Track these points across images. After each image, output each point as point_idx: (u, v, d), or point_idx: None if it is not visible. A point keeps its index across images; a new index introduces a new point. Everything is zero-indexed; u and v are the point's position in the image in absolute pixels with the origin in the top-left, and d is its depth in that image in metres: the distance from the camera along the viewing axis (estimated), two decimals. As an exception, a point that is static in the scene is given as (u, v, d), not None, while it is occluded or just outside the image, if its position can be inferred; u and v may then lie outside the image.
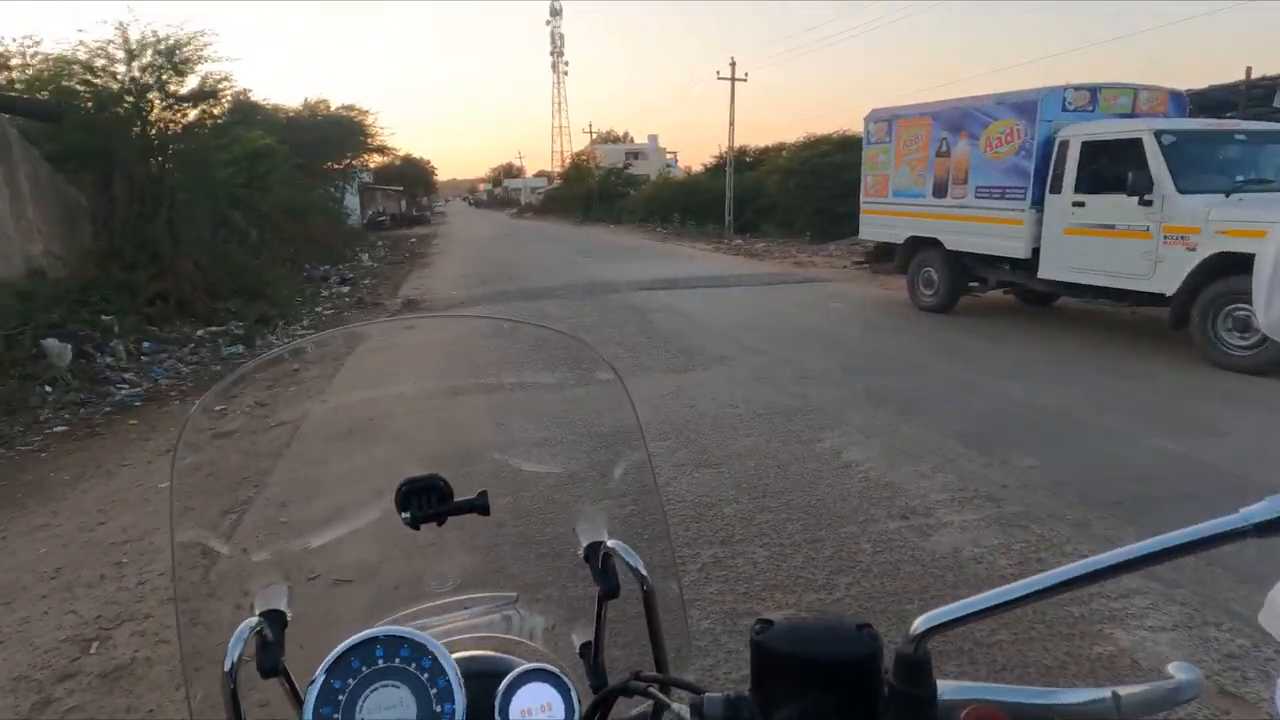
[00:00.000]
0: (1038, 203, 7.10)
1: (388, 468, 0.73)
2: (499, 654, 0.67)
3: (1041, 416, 4.51)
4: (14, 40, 8.89)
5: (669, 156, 61.87)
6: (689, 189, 29.29)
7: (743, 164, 25.96)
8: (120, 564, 3.05)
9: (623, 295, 10.23)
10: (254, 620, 0.57)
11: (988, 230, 7.63)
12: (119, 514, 3.58)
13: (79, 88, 8.21)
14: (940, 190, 8.25)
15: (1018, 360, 6.04)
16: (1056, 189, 6.93)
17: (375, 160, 27.69)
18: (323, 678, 0.54)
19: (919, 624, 0.37)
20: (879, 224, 9.33)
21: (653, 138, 66.89)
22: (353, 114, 21.92)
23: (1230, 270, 5.58)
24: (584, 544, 0.68)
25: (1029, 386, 5.19)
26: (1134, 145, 6.26)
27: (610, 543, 0.67)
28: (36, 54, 8.58)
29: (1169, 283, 5.95)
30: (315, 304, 10.34)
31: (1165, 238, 6.00)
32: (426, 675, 0.55)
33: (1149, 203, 6.07)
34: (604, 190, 39.04)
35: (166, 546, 2.81)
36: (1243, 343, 5.50)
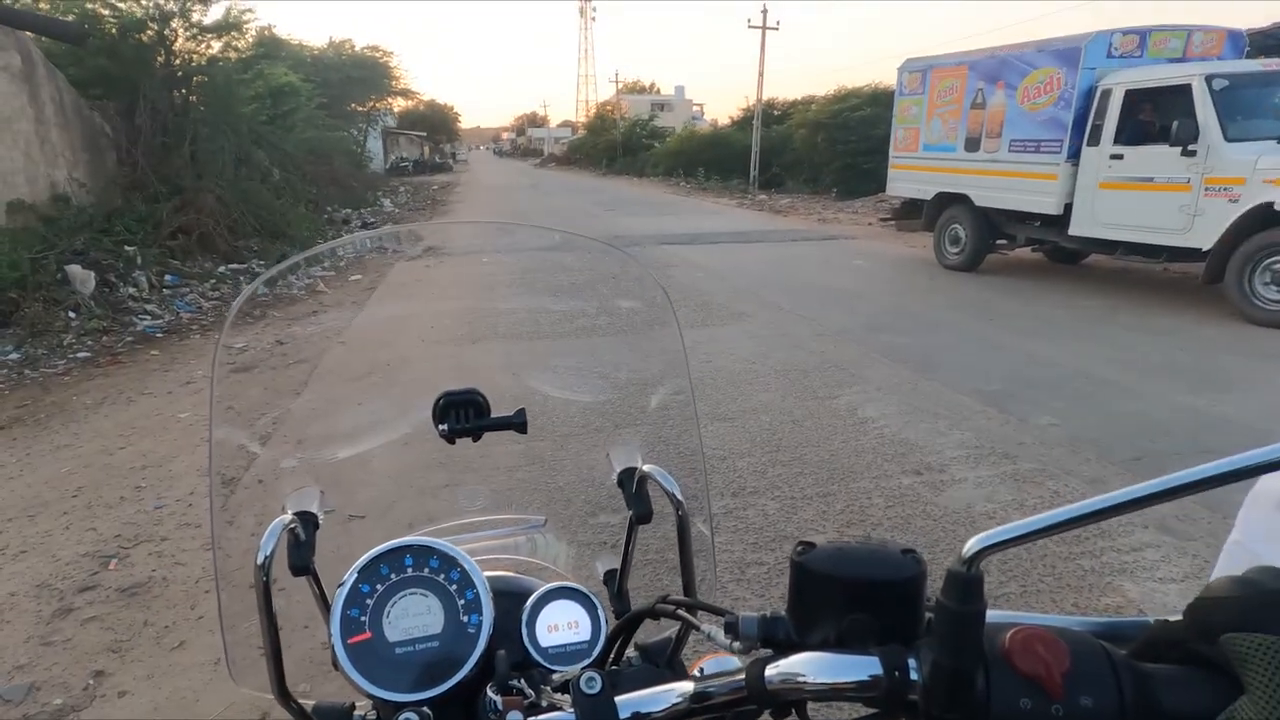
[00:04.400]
0: (1074, 156, 6.82)
1: (426, 387, 0.71)
2: (524, 575, 0.66)
3: (1063, 375, 4.41)
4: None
5: (695, 108, 60.38)
6: (714, 142, 28.57)
7: (770, 117, 25.20)
8: (139, 488, 3.13)
9: (644, 249, 10.13)
10: (287, 518, 0.57)
11: (1019, 185, 7.36)
12: (138, 440, 3.66)
13: (103, 11, 8.10)
14: (973, 144, 7.97)
15: (1041, 318, 5.90)
16: (1094, 141, 6.64)
17: (399, 104, 27.33)
18: (353, 579, 0.54)
19: (972, 544, 0.35)
20: (907, 179, 9.06)
21: (679, 88, 65.21)
22: (377, 55, 21.48)
23: (1272, 222, 5.34)
24: (618, 469, 0.68)
25: (1052, 345, 5.08)
26: (1181, 92, 5.94)
27: (646, 467, 0.66)
28: None
29: (1206, 237, 5.74)
30: (338, 249, 10.35)
31: (1206, 190, 5.76)
32: (455, 587, 0.55)
33: (1192, 153, 5.80)
34: (628, 142, 38.25)
35: (183, 474, 2.87)
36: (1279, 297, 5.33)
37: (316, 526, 0.59)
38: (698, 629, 0.47)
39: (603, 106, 49.71)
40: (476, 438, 0.69)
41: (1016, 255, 8.36)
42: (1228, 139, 5.65)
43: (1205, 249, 5.75)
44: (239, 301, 0.77)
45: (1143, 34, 6.74)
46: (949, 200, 8.27)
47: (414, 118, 38.75)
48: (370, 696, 0.51)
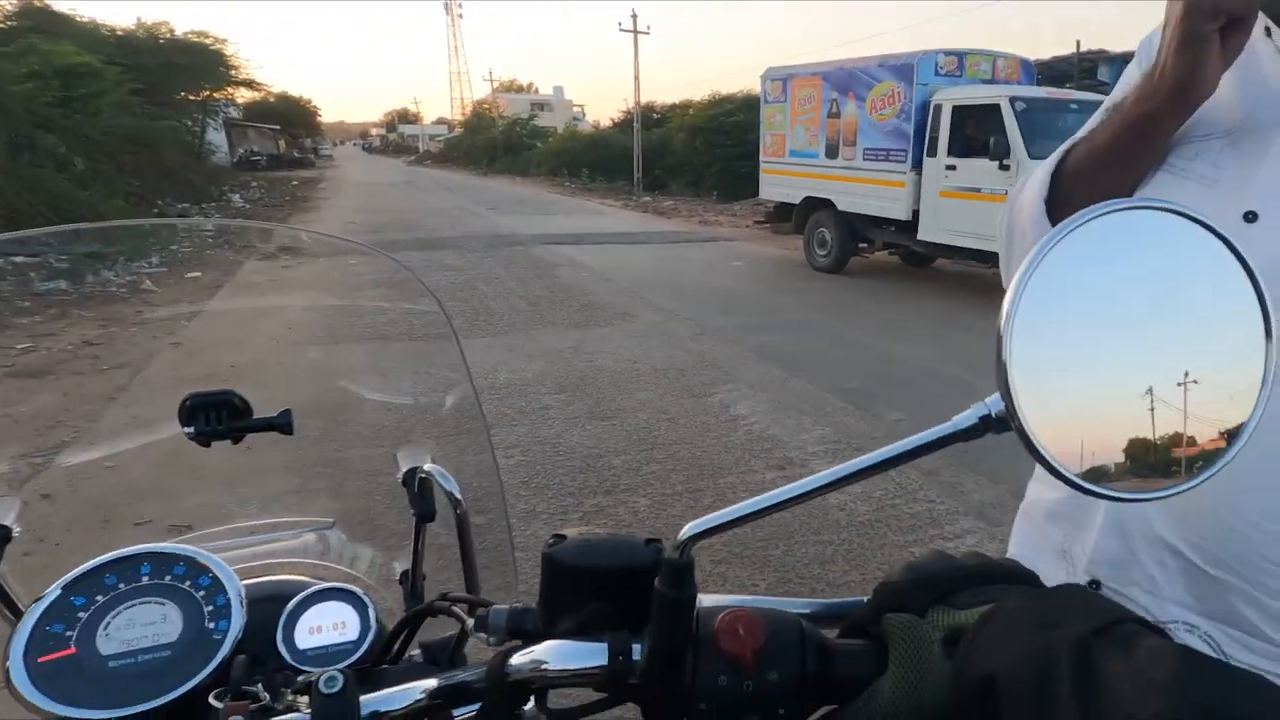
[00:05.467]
0: (917, 165, 7.39)
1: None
2: (303, 578, 0.63)
3: (912, 372, 4.79)
4: None
5: (576, 109, 60.39)
6: (598, 143, 28.75)
7: (651, 120, 25.68)
8: None
9: (528, 249, 9.98)
10: None
11: (874, 192, 7.89)
12: None
13: None
14: (832, 151, 8.44)
15: (896, 319, 6.39)
16: (932, 152, 7.24)
17: (243, 95, 25.18)
18: (56, 594, 0.50)
19: (685, 531, 0.37)
20: (778, 184, 9.48)
21: (558, 89, 65.03)
22: (206, 41, 19.55)
23: None
24: (403, 469, 0.68)
25: (904, 343, 5.51)
26: (994, 111, 6.63)
27: (427, 467, 0.67)
28: None
29: None
30: (171, 243, 9.28)
31: None
32: (203, 594, 0.52)
33: (1007, 167, 6.47)
34: (509, 141, 37.57)
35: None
36: None
37: (7, 540, 0.54)
38: (464, 623, 0.48)
39: (480, 104, 48.48)
40: (236, 440, 0.66)
41: (876, 258, 8.97)
42: (1031, 156, 6.35)
43: None
44: None
45: (960, 56, 7.48)
46: (816, 204, 8.72)
47: (263, 110, 35.82)
48: (53, 716, 0.46)
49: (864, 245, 8.52)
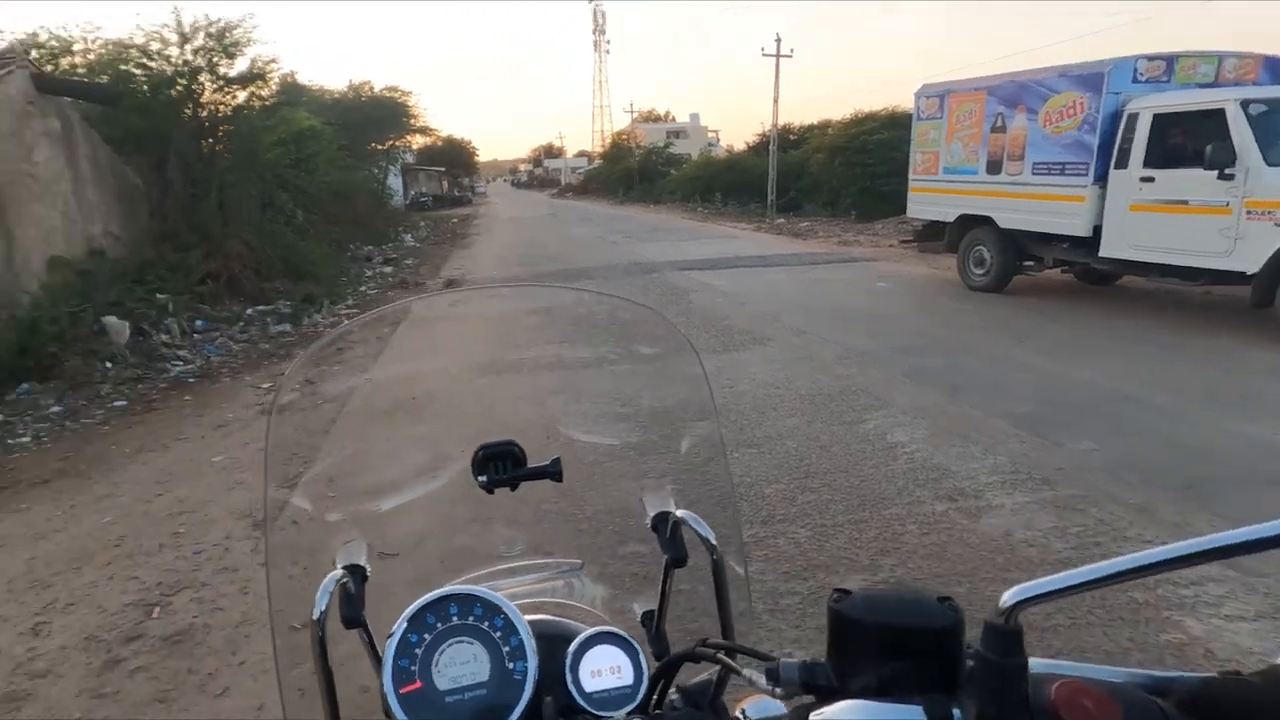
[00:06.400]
0: (1101, 178, 6.83)
1: (467, 437, 0.73)
2: (564, 619, 0.68)
3: (1100, 397, 4.31)
4: (77, 27, 9.16)
5: (711, 135, 61.21)
6: (731, 168, 28.85)
7: (786, 142, 25.42)
8: (177, 534, 3.17)
9: (662, 275, 10.17)
10: (339, 572, 0.58)
11: (1045, 208, 7.36)
12: (175, 486, 3.71)
13: (135, 71, 8.45)
14: (995, 167, 8.01)
15: (1074, 340, 5.79)
16: (1122, 164, 6.64)
17: (417, 141, 28.01)
18: (402, 630, 0.55)
19: (1009, 596, 0.36)
20: (928, 202, 9.11)
21: (694, 116, 66.31)
22: (396, 95, 22.14)
23: None
24: (651, 514, 0.69)
25: (1086, 366, 4.97)
26: (1215, 116, 5.94)
27: (680, 512, 0.68)
28: (97, 39, 8.83)
29: (1252, 260, 5.66)
30: (360, 284, 10.58)
31: (1248, 213, 5.70)
32: (499, 634, 0.55)
33: (1230, 176, 5.75)
34: (644, 170, 38.79)
35: (219, 519, 2.90)
36: None
37: (365, 579, 0.60)
38: (739, 673, 0.48)
39: (618, 135, 50.55)
40: (514, 487, 0.71)
41: (1045, 276, 8.29)
42: (1269, 163, 5.60)
43: (1250, 272, 5.68)
44: (290, 373, 0.82)
45: (1170, 59, 6.79)
46: (972, 222, 8.27)
47: (433, 154, 39.77)
48: None
49: (1030, 263, 7.94)
